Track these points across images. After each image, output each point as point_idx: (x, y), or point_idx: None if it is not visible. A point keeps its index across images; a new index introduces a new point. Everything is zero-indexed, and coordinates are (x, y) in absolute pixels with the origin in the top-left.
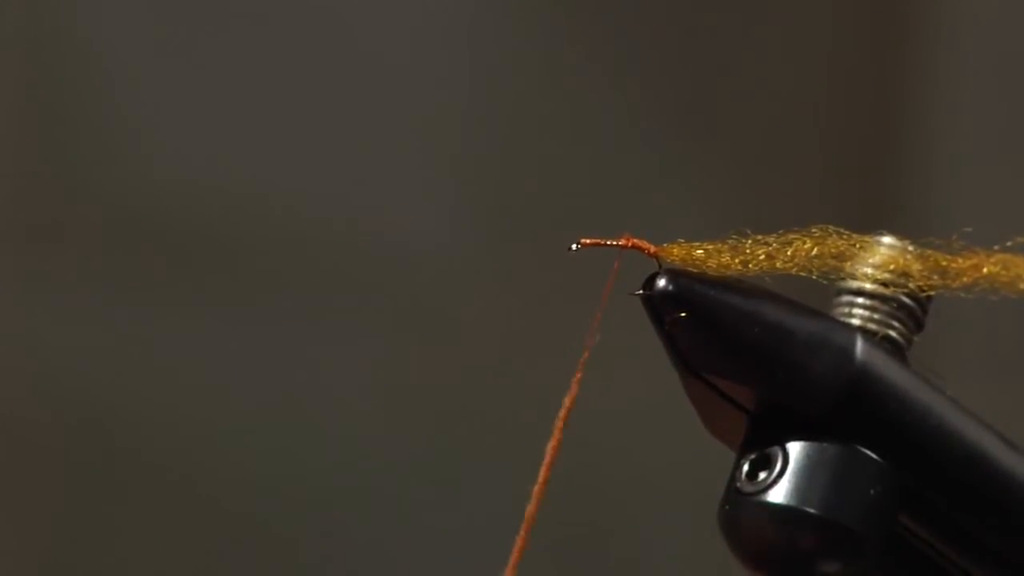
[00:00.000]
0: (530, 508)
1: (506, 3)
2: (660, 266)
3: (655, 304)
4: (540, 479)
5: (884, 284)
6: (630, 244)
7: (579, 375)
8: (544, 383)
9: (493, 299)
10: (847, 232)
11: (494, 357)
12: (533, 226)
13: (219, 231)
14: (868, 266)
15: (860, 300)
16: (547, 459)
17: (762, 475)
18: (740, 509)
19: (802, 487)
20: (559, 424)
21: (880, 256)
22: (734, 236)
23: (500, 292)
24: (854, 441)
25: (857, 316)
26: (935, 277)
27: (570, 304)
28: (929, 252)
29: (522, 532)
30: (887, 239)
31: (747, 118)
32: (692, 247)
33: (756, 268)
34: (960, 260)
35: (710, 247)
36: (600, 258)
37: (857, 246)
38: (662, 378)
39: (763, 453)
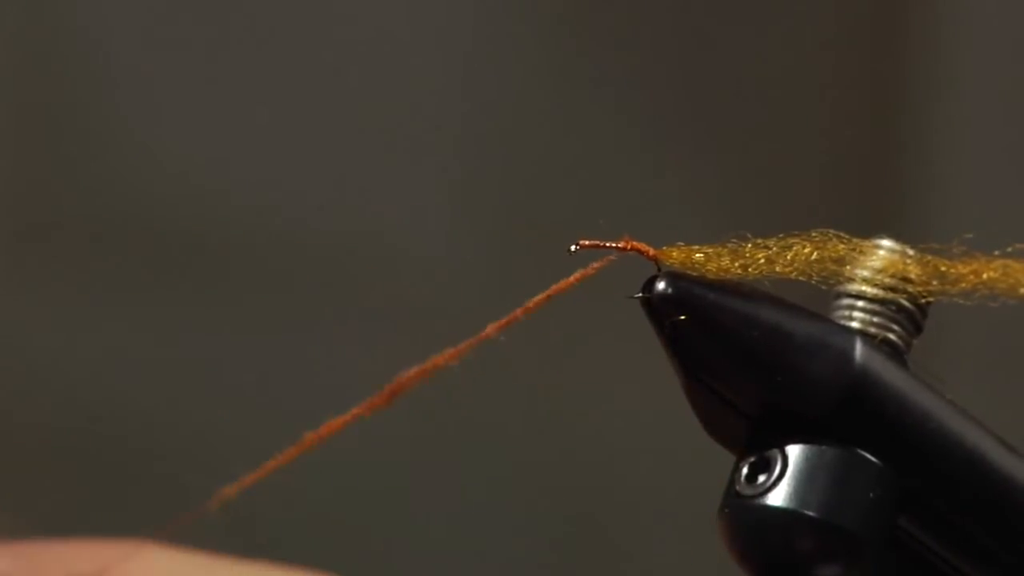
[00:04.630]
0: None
1: (505, 6)
2: (659, 269)
3: (654, 307)
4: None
5: (884, 288)
6: (629, 247)
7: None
8: (544, 385)
9: (492, 302)
10: (847, 236)
11: (494, 359)
12: (533, 229)
13: (216, 233)
14: (868, 270)
15: (860, 303)
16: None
17: (761, 478)
18: (739, 512)
19: (801, 490)
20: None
21: (880, 260)
22: (734, 239)
23: (499, 295)
24: (853, 444)
25: (856, 319)
26: (934, 282)
27: (570, 307)
28: (929, 257)
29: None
30: (887, 243)
31: (748, 121)
32: (692, 250)
33: (756, 272)
34: (960, 265)
35: (710, 250)
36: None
37: (857, 250)
38: (662, 380)
39: (762, 456)
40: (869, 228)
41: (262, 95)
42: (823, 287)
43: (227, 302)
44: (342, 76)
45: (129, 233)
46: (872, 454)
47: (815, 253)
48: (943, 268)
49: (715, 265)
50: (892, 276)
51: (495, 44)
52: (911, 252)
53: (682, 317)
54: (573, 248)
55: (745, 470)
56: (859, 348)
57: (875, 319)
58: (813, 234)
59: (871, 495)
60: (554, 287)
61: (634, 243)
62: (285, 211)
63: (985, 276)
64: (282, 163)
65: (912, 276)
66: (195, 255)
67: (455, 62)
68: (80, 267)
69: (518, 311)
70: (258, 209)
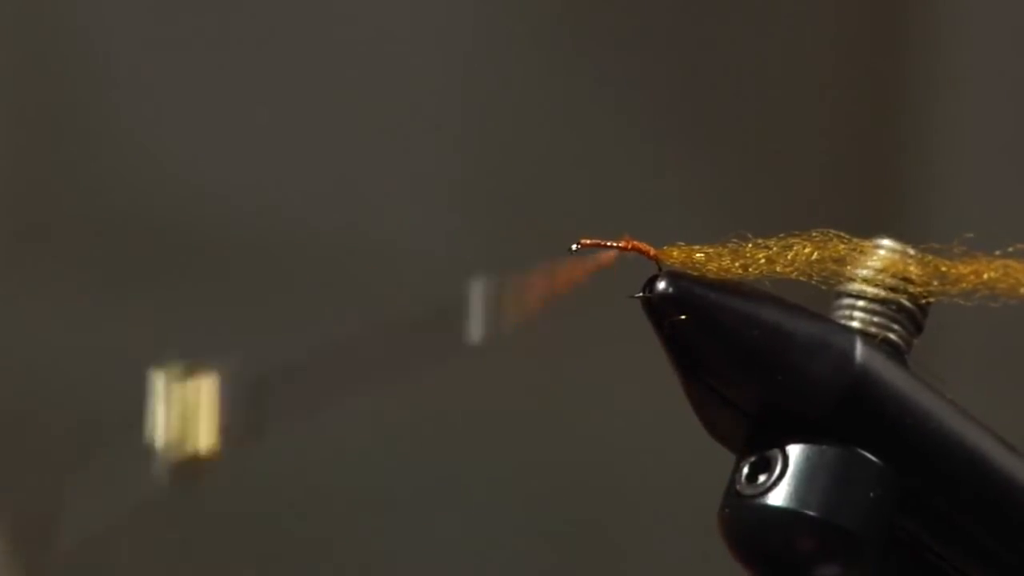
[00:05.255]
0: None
1: (505, 6)
2: (660, 269)
3: (655, 306)
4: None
5: (884, 288)
6: (630, 246)
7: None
8: (544, 384)
9: None
10: (848, 236)
11: (494, 358)
12: (533, 229)
13: (216, 233)
14: (868, 270)
15: (860, 303)
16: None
17: (762, 478)
18: (740, 512)
19: (801, 490)
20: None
21: (880, 260)
22: (734, 239)
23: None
24: (854, 444)
25: (857, 319)
26: (935, 282)
27: (570, 306)
28: (929, 257)
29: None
30: (887, 243)
31: (749, 121)
32: (692, 250)
33: (756, 272)
34: (960, 266)
35: (710, 250)
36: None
37: (858, 250)
38: (662, 380)
39: (763, 456)
40: (869, 228)
41: (262, 95)
42: (823, 287)
43: (227, 302)
44: (342, 75)
45: (129, 233)
46: (872, 454)
47: (816, 253)
48: (944, 268)
49: (716, 265)
50: (893, 276)
51: (495, 44)
52: (911, 252)
53: (682, 317)
54: (574, 247)
55: (746, 470)
56: (859, 348)
57: (875, 319)
58: (814, 234)
59: (871, 495)
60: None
61: (635, 243)
62: (285, 211)
63: (986, 276)
64: (282, 163)
65: (913, 276)
66: (195, 255)
67: (455, 62)
68: (80, 267)
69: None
70: (258, 209)
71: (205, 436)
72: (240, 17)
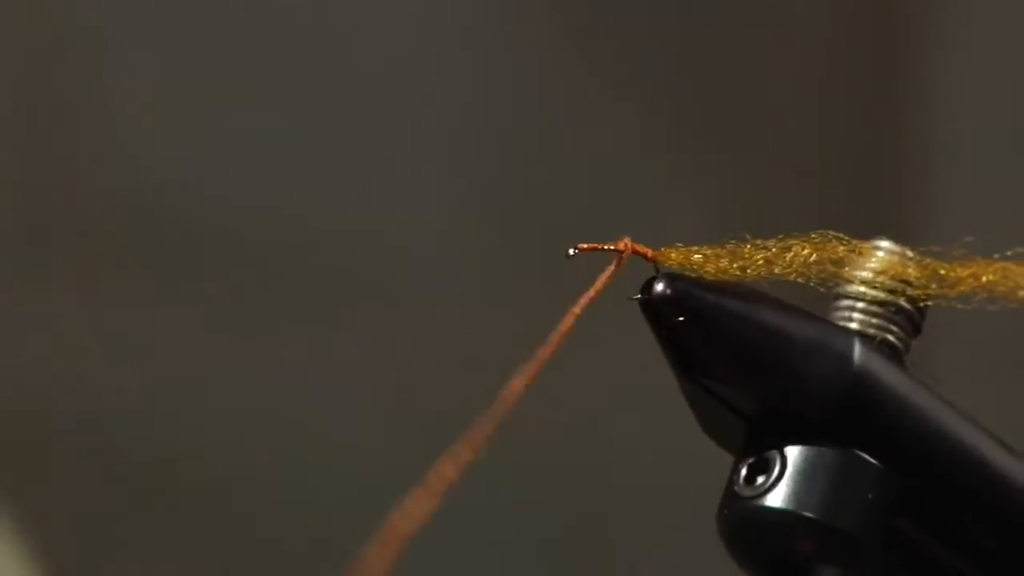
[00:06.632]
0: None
1: (508, 6)
2: (658, 270)
3: (653, 308)
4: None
5: (883, 289)
6: (628, 248)
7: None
8: (543, 385)
9: (493, 303)
10: (846, 238)
11: (494, 360)
12: (533, 229)
13: (217, 233)
14: (867, 271)
15: (859, 305)
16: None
17: (760, 479)
18: (738, 513)
19: (800, 491)
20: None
21: (879, 262)
22: (733, 241)
23: (500, 296)
24: (852, 445)
25: (856, 321)
26: (933, 285)
27: (569, 308)
28: (928, 260)
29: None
30: (886, 244)
31: (747, 123)
32: (690, 251)
33: (754, 273)
34: (959, 268)
35: (708, 252)
36: (599, 262)
37: (856, 252)
38: (662, 380)
39: (761, 457)
40: (868, 230)
41: (262, 96)
42: (822, 289)
43: (227, 302)
44: (342, 76)
45: (129, 233)
46: (871, 455)
47: (814, 255)
48: (942, 271)
49: (714, 266)
50: (891, 278)
51: (497, 45)
52: (910, 254)
53: (680, 318)
54: (571, 251)
55: (744, 471)
56: (858, 349)
57: (874, 321)
58: (812, 235)
59: (869, 496)
60: (594, 287)
61: (633, 245)
62: (285, 211)
63: (984, 279)
64: (283, 164)
65: (911, 278)
66: (194, 255)
67: (457, 64)
68: (80, 267)
69: (570, 316)
70: (258, 209)
71: None
72: (242, 18)
